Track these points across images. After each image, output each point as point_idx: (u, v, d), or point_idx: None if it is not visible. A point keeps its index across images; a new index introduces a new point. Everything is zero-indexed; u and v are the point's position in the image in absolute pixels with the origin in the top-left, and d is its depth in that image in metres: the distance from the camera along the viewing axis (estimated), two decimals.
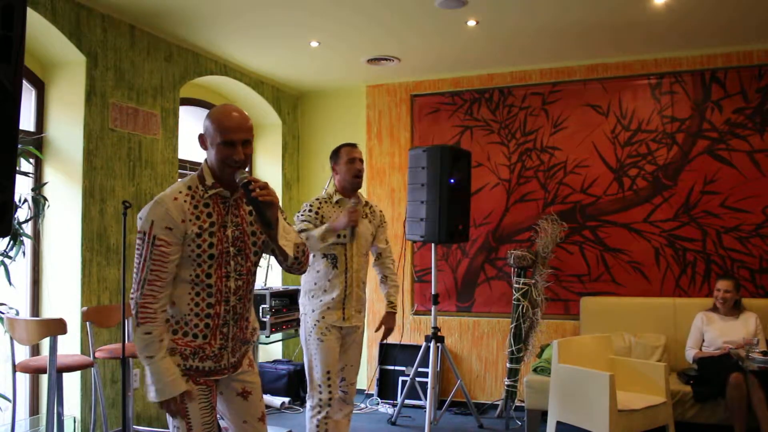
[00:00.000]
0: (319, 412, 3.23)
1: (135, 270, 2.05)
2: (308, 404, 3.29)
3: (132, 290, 2.05)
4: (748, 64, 4.74)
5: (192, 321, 2.10)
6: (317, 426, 3.23)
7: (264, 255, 2.32)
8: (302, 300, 3.37)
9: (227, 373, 2.21)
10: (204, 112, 5.42)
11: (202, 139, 2.14)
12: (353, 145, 3.42)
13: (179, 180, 2.14)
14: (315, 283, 3.30)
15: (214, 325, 2.12)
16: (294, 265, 2.25)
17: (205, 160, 2.15)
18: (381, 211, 3.57)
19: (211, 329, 2.12)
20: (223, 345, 2.16)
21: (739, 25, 4.31)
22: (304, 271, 2.36)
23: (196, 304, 2.10)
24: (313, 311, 3.28)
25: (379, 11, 4.06)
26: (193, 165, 5.17)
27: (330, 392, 3.23)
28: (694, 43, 4.67)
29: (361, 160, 3.39)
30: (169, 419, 2.14)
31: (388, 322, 3.60)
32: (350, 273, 3.31)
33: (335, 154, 3.42)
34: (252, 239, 2.19)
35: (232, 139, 2.05)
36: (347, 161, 3.35)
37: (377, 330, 3.63)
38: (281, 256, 2.21)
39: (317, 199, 3.35)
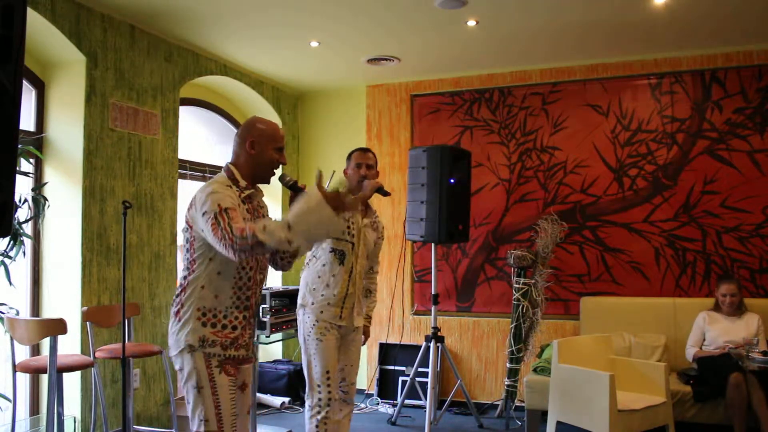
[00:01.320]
0: (319, 413, 3.22)
1: (216, 230, 2.10)
2: (307, 404, 3.29)
3: (228, 242, 2.08)
4: (748, 64, 4.74)
5: (232, 314, 2.29)
6: (317, 426, 3.22)
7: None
8: (302, 292, 3.37)
9: (253, 361, 2.42)
10: (204, 112, 5.43)
11: (250, 143, 2.34)
12: (364, 151, 3.47)
13: (207, 182, 2.33)
14: (318, 277, 3.30)
15: (249, 316, 2.35)
16: (291, 262, 2.55)
17: (234, 164, 2.37)
18: (383, 227, 3.60)
19: (246, 320, 2.33)
20: (251, 334, 2.38)
21: (739, 25, 4.31)
22: (288, 270, 2.64)
23: (238, 298, 2.30)
24: (313, 304, 3.28)
25: (379, 11, 4.06)
26: (193, 165, 5.17)
27: (329, 392, 3.23)
28: (694, 43, 4.67)
29: (369, 166, 3.41)
30: (192, 407, 2.21)
31: (367, 332, 3.63)
32: (354, 273, 3.32)
33: (348, 157, 3.48)
34: None
35: (281, 145, 2.40)
36: (354, 166, 3.42)
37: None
38: (292, 252, 2.47)
39: None
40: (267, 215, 2.50)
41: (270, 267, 2.59)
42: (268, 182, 2.41)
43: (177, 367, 2.26)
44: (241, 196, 2.29)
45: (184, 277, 2.29)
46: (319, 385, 3.23)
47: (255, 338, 3.95)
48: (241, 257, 2.13)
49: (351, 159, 3.45)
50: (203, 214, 2.17)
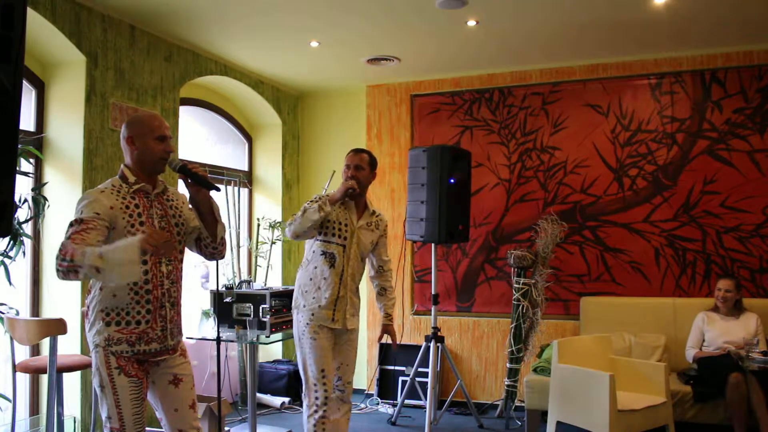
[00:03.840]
0: (316, 412, 3.21)
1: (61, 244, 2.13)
2: (304, 404, 3.28)
3: (57, 256, 2.09)
4: (748, 64, 4.74)
5: (134, 309, 2.32)
6: (314, 426, 3.22)
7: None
8: (295, 295, 3.37)
9: (171, 354, 2.44)
10: (204, 112, 5.43)
11: (130, 140, 2.40)
12: (357, 151, 3.42)
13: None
14: (310, 279, 3.31)
15: (153, 309, 2.36)
16: (218, 248, 2.57)
17: (126, 165, 2.43)
18: (386, 225, 3.55)
19: (151, 314, 2.35)
20: (164, 327, 2.39)
21: (740, 25, 4.30)
22: (221, 258, 2.67)
23: (136, 293, 2.32)
24: (305, 307, 3.29)
25: (379, 11, 4.06)
26: (192, 165, 5.16)
27: (325, 391, 3.21)
28: (694, 43, 4.67)
29: (357, 167, 3.36)
30: (101, 409, 2.30)
31: (390, 331, 3.59)
32: (345, 276, 3.31)
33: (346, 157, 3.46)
34: (176, 229, 2.47)
35: (161, 134, 2.44)
36: (345, 166, 3.39)
37: (380, 339, 3.63)
38: (210, 237, 2.52)
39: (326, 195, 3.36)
40: (181, 207, 2.52)
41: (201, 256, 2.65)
42: (162, 172, 2.46)
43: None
44: (130, 192, 2.35)
45: (91, 282, 2.37)
46: (315, 384, 3.21)
47: (254, 338, 3.96)
48: (61, 276, 2.10)
49: (345, 158, 3.42)
50: (75, 215, 2.25)
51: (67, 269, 2.06)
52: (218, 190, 2.48)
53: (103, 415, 2.32)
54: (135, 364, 2.33)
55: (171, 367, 2.44)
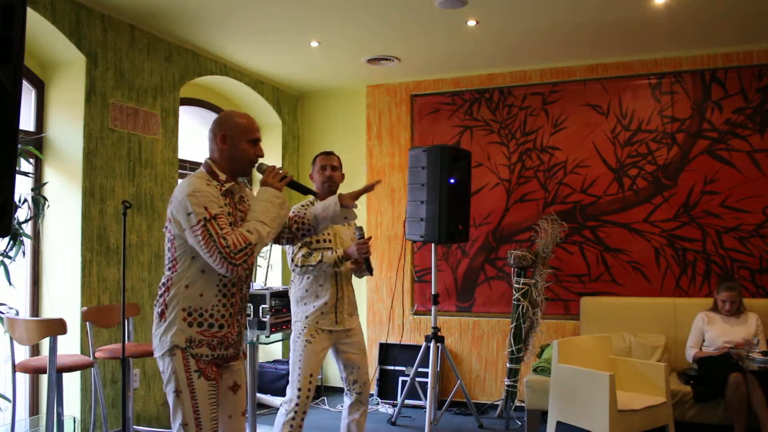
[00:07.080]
0: (294, 419, 3.20)
1: (209, 244, 2.11)
2: (284, 409, 3.24)
3: (224, 258, 2.10)
4: (748, 64, 4.74)
5: (219, 311, 2.24)
6: (290, 428, 3.20)
7: (263, 255, 2.47)
8: (294, 309, 3.38)
9: (242, 359, 2.40)
10: (204, 112, 5.42)
11: (222, 138, 2.30)
12: (328, 153, 3.47)
13: (186, 178, 2.28)
14: (306, 290, 3.31)
15: (234, 313, 2.29)
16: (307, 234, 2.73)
17: (212, 159, 2.33)
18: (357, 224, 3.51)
19: (232, 317, 2.28)
20: (239, 332, 2.33)
21: (739, 25, 4.30)
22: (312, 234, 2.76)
23: (224, 295, 2.24)
24: (307, 317, 3.28)
25: (379, 11, 4.06)
26: (193, 165, 5.16)
27: (307, 398, 3.23)
28: (694, 43, 4.67)
29: (334, 167, 3.41)
30: (172, 411, 2.20)
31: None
32: (340, 276, 3.32)
33: (313, 162, 3.49)
34: None
35: (255, 137, 2.33)
36: (319, 168, 3.41)
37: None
38: (313, 230, 2.68)
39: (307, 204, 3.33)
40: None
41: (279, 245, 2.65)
42: (248, 175, 2.37)
43: (160, 369, 2.25)
44: (221, 190, 2.24)
45: (167, 277, 2.25)
46: (299, 389, 3.22)
47: (254, 338, 3.96)
48: (239, 271, 2.13)
49: (316, 162, 3.45)
50: (188, 215, 2.13)
51: (245, 256, 2.11)
52: (315, 194, 2.62)
53: (176, 423, 2.18)
54: (214, 367, 2.24)
55: (234, 372, 2.37)
